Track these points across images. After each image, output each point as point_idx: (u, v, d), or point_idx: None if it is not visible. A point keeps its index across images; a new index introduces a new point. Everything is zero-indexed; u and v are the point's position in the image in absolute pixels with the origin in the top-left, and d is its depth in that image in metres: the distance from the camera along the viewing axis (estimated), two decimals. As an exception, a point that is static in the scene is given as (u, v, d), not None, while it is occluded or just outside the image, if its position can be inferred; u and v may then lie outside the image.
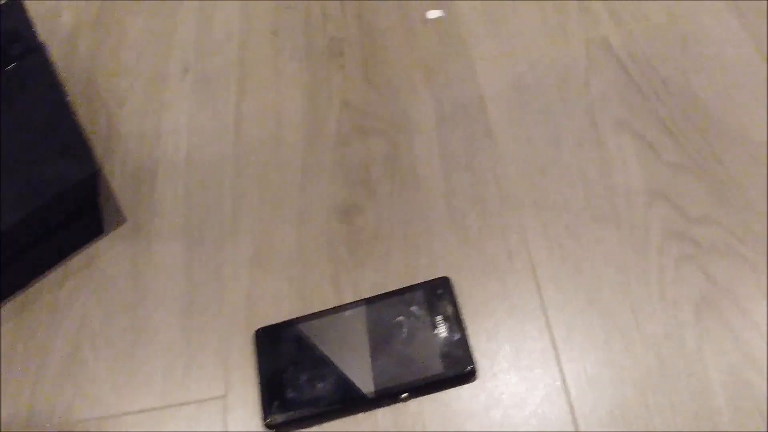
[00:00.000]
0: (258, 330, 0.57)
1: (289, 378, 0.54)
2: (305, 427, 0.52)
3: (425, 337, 0.54)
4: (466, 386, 0.52)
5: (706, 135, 0.61)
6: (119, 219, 0.68)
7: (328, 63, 0.75)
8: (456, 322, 0.54)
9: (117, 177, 0.71)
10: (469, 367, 0.52)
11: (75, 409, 0.55)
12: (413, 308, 0.55)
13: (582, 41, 0.70)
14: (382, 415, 0.52)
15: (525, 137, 0.64)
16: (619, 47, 0.68)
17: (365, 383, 0.53)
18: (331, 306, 0.57)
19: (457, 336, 0.53)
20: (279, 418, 0.52)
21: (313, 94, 0.73)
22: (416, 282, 0.57)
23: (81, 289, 0.63)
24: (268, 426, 0.52)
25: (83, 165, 0.62)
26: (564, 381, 0.51)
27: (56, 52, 0.83)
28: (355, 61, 0.74)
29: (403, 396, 0.52)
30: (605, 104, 0.65)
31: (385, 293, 0.57)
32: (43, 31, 0.81)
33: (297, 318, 0.57)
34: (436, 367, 0.52)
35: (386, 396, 0.52)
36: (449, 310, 0.55)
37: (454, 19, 0.75)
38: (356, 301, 0.57)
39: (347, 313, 0.57)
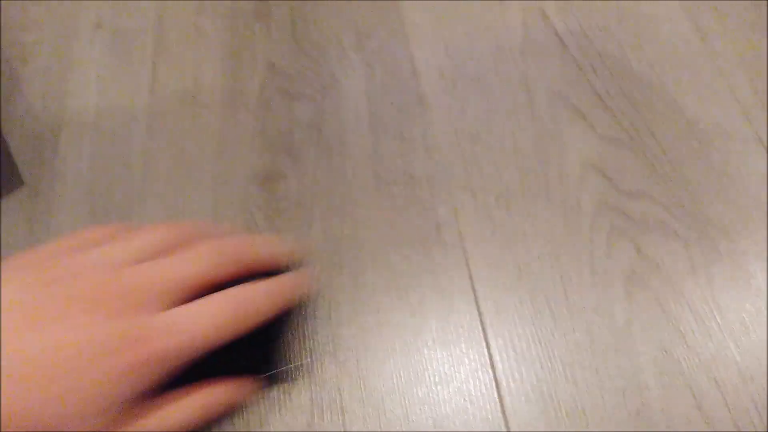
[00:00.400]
0: None
1: None
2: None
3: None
4: (389, 360, 0.49)
5: (640, 109, 0.59)
6: (15, 182, 0.61)
7: (254, 23, 0.70)
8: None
9: (16, 138, 0.64)
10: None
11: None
12: None
13: (518, 11, 0.67)
14: (297, 391, 0.48)
15: (457, 106, 0.61)
16: (556, 18, 0.66)
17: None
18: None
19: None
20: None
21: (236, 55, 0.68)
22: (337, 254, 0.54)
23: (-35, 254, 0.56)
24: None
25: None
26: (491, 357, 0.49)
27: (-49, 0, 0.75)
28: (282, 22, 0.70)
29: None
30: (541, 75, 0.62)
31: None
32: (-63, -25, 0.73)
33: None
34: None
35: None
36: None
37: (389, -16, 0.72)
38: None
39: None
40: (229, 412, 0.47)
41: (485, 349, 0.49)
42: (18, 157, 0.63)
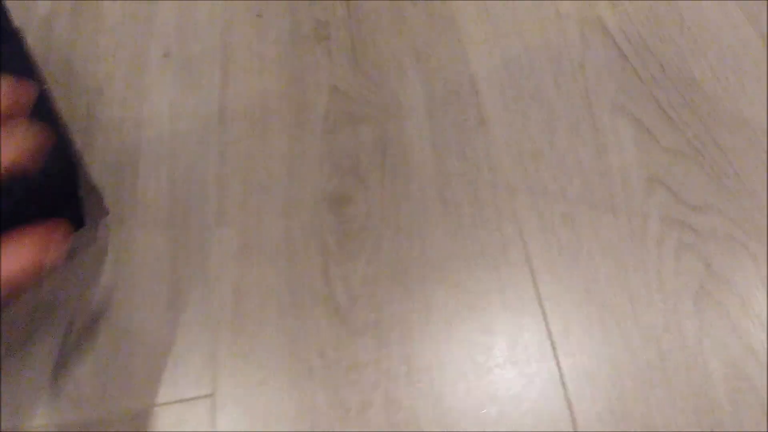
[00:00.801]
0: None
1: None
2: None
3: None
4: (462, 380, 0.51)
5: (704, 120, 0.59)
6: (101, 211, 0.65)
7: (315, 47, 0.72)
8: None
9: (98, 167, 0.68)
10: None
11: (56, 411, 0.54)
12: None
13: (576, 22, 0.67)
14: (374, 412, 0.51)
15: (518, 122, 0.62)
16: (614, 28, 0.66)
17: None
18: (321, 298, 0.56)
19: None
20: None
21: (300, 79, 0.70)
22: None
23: (62, 285, 0.60)
24: None
25: (61, 156, 0.60)
26: (561, 376, 0.50)
27: (32, 39, 0.80)
28: (342, 45, 0.72)
29: None
30: (601, 87, 0.63)
31: None
32: (18, 17, 0.78)
33: None
34: None
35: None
36: None
37: (444, 1, 0.73)
38: None
39: None
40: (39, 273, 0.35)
41: (556, 369, 0.50)
42: (100, 186, 0.67)
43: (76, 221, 0.64)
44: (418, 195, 0.60)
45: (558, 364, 0.50)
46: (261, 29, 0.75)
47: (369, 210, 0.60)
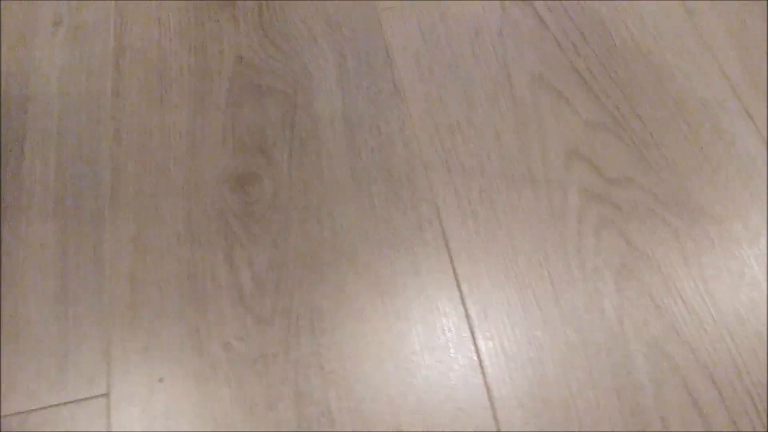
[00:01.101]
0: None
1: None
2: None
3: None
4: (376, 369, 0.47)
5: (625, 90, 0.57)
6: (-22, 195, 0.59)
7: (219, 13, 0.67)
8: None
9: (-23, 146, 0.61)
10: None
11: None
12: None
13: (496, -11, 0.64)
14: (283, 404, 0.47)
15: (434, 94, 0.59)
16: (536, 1, 0.63)
17: None
18: (225, 285, 0.51)
19: None
20: None
21: (202, 48, 0.65)
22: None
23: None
24: None
25: None
26: (480, 361, 0.47)
27: None
28: (249, 11, 0.67)
29: None
30: (520, 57, 0.60)
31: None
32: None
33: None
34: None
35: None
36: None
37: (359, -35, 0.68)
38: None
39: None
40: None
41: (475, 354, 0.47)
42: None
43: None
44: (329, 173, 0.56)
45: (476, 348, 0.48)
46: (160, -5, 0.69)
47: (276, 189, 0.56)
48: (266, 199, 0.55)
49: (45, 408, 0.48)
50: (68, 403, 0.48)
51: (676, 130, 0.55)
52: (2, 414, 0.48)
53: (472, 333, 0.48)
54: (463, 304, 0.49)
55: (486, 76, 0.59)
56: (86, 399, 0.48)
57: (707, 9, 0.60)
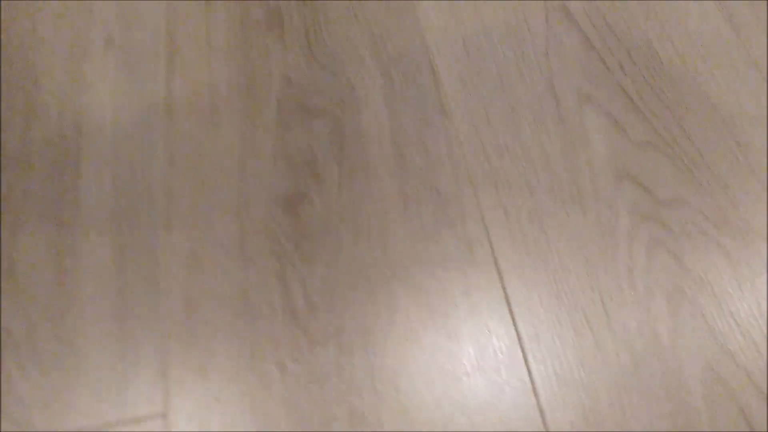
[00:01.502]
0: None
1: None
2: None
3: None
4: (428, 390, 0.48)
5: (673, 109, 0.57)
6: (39, 213, 0.61)
7: (266, 35, 0.68)
8: None
9: (37, 165, 0.63)
10: None
11: (-9, 438, 0.50)
12: None
13: (540, 7, 0.65)
14: (337, 425, 0.48)
15: (481, 113, 0.59)
16: (579, 13, 0.63)
17: None
18: (279, 305, 0.52)
19: None
20: None
21: (250, 69, 0.66)
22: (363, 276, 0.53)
23: (-5, 298, 0.56)
24: None
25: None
26: (533, 383, 0.48)
27: (-43, 26, 0.74)
28: (295, 32, 0.68)
29: None
30: (566, 76, 0.60)
31: None
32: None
33: None
34: None
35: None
36: None
37: (402, -16, 0.69)
38: None
39: None
40: None
41: (527, 376, 0.48)
42: (38, 186, 0.62)
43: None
44: (378, 193, 0.57)
45: (529, 371, 0.48)
46: (209, 16, 0.71)
47: (326, 210, 0.57)
48: (316, 219, 0.57)
49: (104, 426, 0.50)
50: (126, 421, 0.50)
51: (725, 149, 0.54)
52: (67, 431, 0.50)
53: (524, 355, 0.49)
54: (515, 325, 0.50)
55: (532, 95, 0.60)
56: (144, 418, 0.50)
57: (753, 25, 0.60)
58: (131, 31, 0.72)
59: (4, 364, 0.53)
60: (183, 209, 0.59)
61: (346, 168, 0.59)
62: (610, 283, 0.50)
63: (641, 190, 0.54)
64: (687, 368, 0.47)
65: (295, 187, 0.59)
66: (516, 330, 0.50)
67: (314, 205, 0.57)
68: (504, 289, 0.51)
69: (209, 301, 0.54)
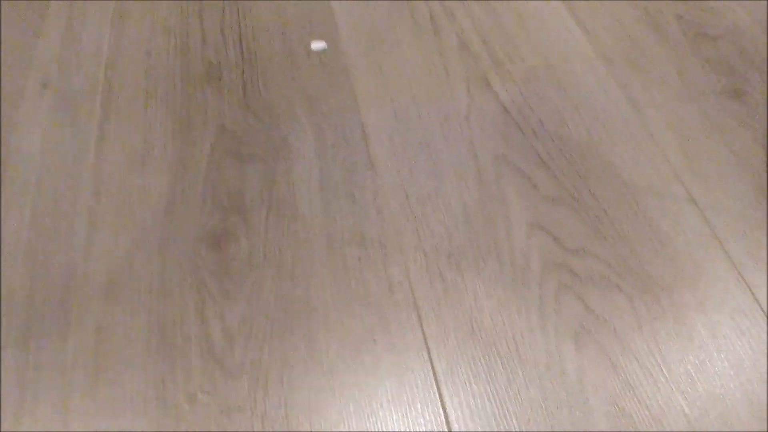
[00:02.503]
0: None
1: None
2: None
3: None
4: (344, 423, 0.48)
5: (580, 171, 0.62)
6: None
7: (206, 87, 0.71)
8: None
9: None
10: None
11: None
12: None
13: (463, 79, 0.70)
14: (248, 458, 0.46)
15: (406, 168, 0.63)
16: (498, 87, 0.69)
17: None
18: (195, 338, 0.52)
19: None
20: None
21: (187, 116, 0.68)
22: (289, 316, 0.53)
23: None
24: None
25: None
26: (446, 416, 0.48)
27: None
28: (233, 86, 0.71)
29: None
30: (485, 139, 0.65)
31: None
32: None
33: None
34: None
35: None
36: None
37: (338, 52, 0.74)
38: None
39: None
40: None
41: (440, 409, 0.49)
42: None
43: None
44: (304, 235, 0.59)
45: (443, 404, 0.49)
46: (149, 66, 0.73)
47: (252, 249, 0.58)
48: (241, 258, 0.57)
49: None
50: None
51: (626, 208, 0.59)
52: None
53: (439, 389, 0.50)
54: (431, 361, 0.51)
55: (454, 154, 0.64)
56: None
57: (652, 105, 0.67)
58: (69, 76, 0.73)
59: None
60: (104, 242, 0.59)
61: (274, 211, 0.60)
62: (522, 323, 0.52)
63: (551, 240, 0.57)
64: (592, 402, 0.48)
65: (222, 227, 0.59)
66: (432, 365, 0.51)
67: (240, 244, 0.58)
68: (422, 327, 0.53)
69: (122, 334, 0.53)
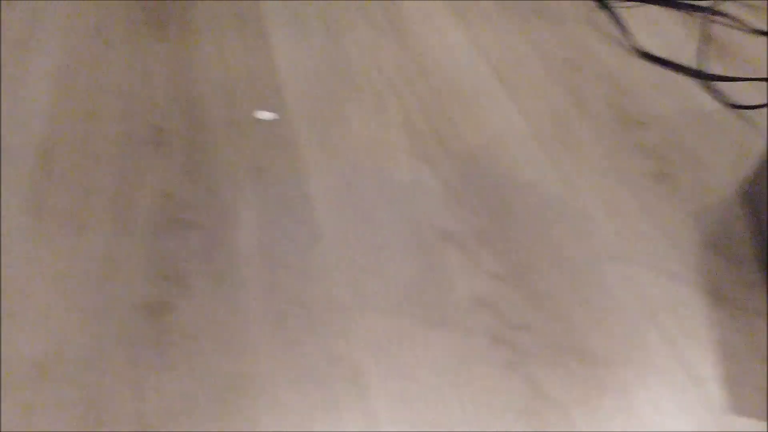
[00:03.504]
0: None
1: None
2: None
3: None
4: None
5: (522, 249, 0.64)
6: None
7: (150, 151, 0.70)
8: None
9: None
10: None
11: None
12: None
13: (408, 154, 0.72)
14: None
15: (351, 240, 0.63)
16: (440, 163, 0.71)
17: None
18: (130, 416, 0.49)
19: None
20: None
21: (128, 181, 0.67)
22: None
23: None
24: None
25: None
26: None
27: None
28: (178, 152, 0.70)
29: None
30: (429, 214, 0.66)
31: None
32: None
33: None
34: None
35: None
36: None
37: (285, 122, 0.75)
38: None
39: None
40: None
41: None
42: None
43: None
44: (246, 306, 0.57)
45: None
46: (93, 128, 0.72)
47: (191, 320, 0.56)
48: (180, 330, 0.55)
49: None
50: None
51: (566, 283, 0.61)
52: None
53: (383, 469, 0.49)
54: (375, 439, 0.50)
55: (398, 227, 0.65)
56: None
57: (586, 185, 0.70)
58: (7, 135, 0.71)
59: None
60: (32, 314, 0.56)
61: (216, 281, 0.59)
62: (467, 399, 0.52)
63: (494, 315, 0.58)
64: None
65: (160, 296, 0.58)
66: (376, 444, 0.50)
67: (179, 315, 0.56)
68: (367, 403, 0.52)
69: (50, 413, 0.50)
